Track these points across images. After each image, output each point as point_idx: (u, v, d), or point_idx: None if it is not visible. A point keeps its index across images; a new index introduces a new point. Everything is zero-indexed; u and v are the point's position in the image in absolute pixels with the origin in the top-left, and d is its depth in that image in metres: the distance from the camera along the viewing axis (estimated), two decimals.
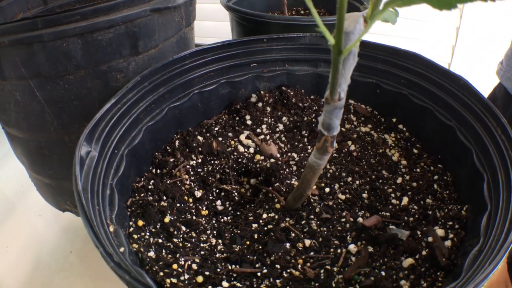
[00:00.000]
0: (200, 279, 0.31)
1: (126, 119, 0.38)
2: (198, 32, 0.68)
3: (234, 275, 0.32)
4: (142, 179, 0.40)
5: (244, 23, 0.71)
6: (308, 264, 0.33)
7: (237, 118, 0.49)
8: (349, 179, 0.42)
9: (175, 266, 0.32)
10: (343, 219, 0.37)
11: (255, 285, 0.31)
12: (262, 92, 0.51)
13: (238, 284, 0.31)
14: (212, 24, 1.12)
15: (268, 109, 0.50)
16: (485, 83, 0.72)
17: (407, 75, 0.49)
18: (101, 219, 0.29)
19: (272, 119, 0.49)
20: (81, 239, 0.68)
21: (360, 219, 0.37)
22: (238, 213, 0.39)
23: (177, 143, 0.44)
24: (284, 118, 0.50)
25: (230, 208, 0.40)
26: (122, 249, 0.29)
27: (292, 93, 0.51)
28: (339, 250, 0.34)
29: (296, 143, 0.47)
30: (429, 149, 0.47)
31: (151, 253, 0.33)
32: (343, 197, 0.39)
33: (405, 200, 0.39)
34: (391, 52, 0.50)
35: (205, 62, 0.47)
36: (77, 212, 0.65)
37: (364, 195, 0.40)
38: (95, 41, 0.48)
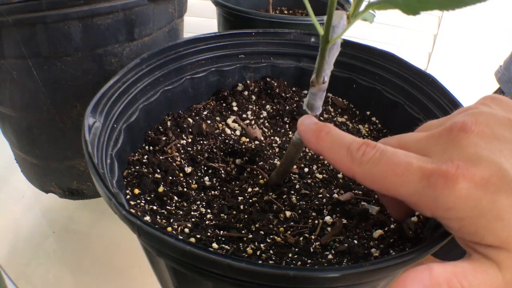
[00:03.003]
0: (192, 240, 0.34)
1: (125, 97, 0.41)
2: (185, 27, 0.71)
3: (223, 239, 0.35)
4: (137, 154, 0.43)
5: (231, 19, 0.74)
6: (289, 232, 0.37)
7: (224, 104, 0.53)
8: (326, 161, 0.46)
9: (169, 229, 0.35)
10: (320, 195, 0.41)
11: (241, 248, 0.35)
12: (248, 81, 0.55)
13: (227, 247, 0.34)
14: (199, 20, 1.14)
15: (253, 97, 0.54)
16: (461, 89, 0.78)
17: (381, 72, 0.54)
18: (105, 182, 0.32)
19: (257, 107, 0.53)
20: (60, 224, 0.67)
21: (335, 195, 0.41)
22: (225, 188, 0.43)
23: (169, 123, 0.47)
24: (267, 106, 0.53)
25: (217, 184, 0.43)
26: None
27: (276, 84, 0.55)
28: (316, 221, 0.38)
29: (278, 129, 0.50)
30: None
31: (147, 218, 0.36)
32: (320, 176, 0.43)
33: None
34: (367, 50, 0.55)
35: (197, 50, 0.50)
36: (60, 194, 0.66)
37: (339, 175, 0.44)
38: (95, 25, 0.50)
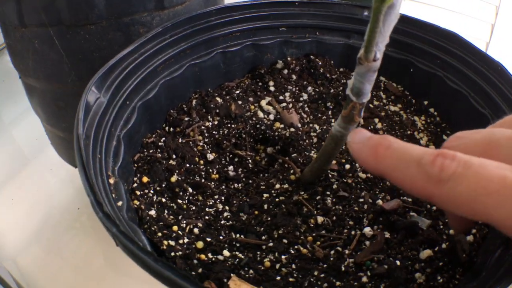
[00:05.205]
0: (200, 244, 0.29)
1: (142, 70, 0.36)
2: None
3: (237, 244, 0.30)
4: (154, 135, 0.38)
5: None
6: (318, 242, 0.31)
7: (259, 84, 0.47)
8: None
9: (175, 228, 0.30)
10: (361, 199, 0.34)
11: (258, 258, 0.29)
12: (289, 58, 0.48)
13: (240, 255, 0.29)
14: None
15: (294, 77, 0.47)
16: None
17: (443, 56, 0.45)
18: (100, 169, 0.27)
19: (297, 88, 0.47)
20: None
21: (379, 201, 0.34)
22: (250, 181, 0.37)
23: (194, 102, 0.42)
24: (309, 88, 0.47)
25: (242, 175, 0.38)
26: (120, 203, 0.27)
27: (320, 63, 0.48)
28: (353, 232, 0.32)
29: (319, 115, 0.44)
30: None
31: (152, 212, 0.31)
32: (364, 176, 0.37)
33: None
34: (429, 29, 0.46)
35: (231, 20, 0.44)
36: None
37: None
38: None
